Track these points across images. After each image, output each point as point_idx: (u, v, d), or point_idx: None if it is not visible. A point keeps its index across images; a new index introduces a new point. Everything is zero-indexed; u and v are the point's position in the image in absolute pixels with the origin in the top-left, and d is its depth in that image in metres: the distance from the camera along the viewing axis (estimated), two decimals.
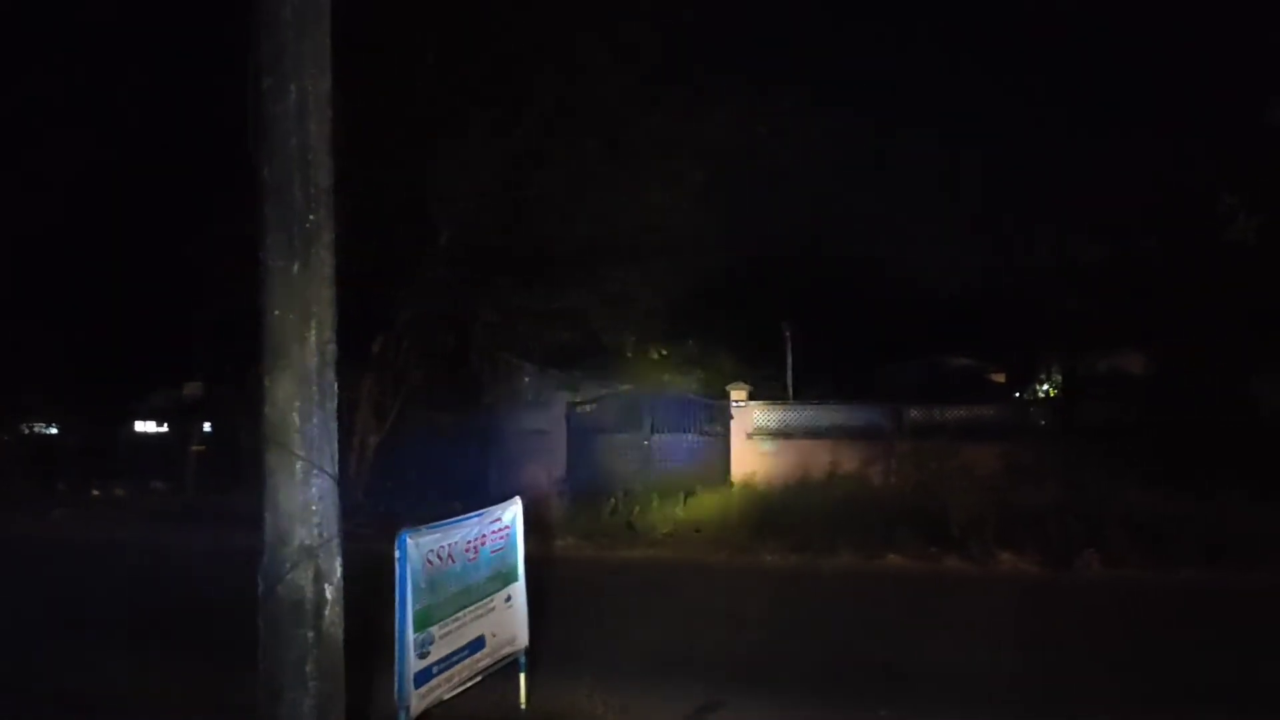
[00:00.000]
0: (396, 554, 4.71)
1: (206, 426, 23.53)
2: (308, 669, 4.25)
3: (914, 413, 18.11)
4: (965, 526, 12.78)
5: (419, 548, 4.81)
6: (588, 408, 21.31)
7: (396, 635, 4.71)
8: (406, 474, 20.54)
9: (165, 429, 27.81)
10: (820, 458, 16.89)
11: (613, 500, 15.60)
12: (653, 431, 18.79)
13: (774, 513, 14.42)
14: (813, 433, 17.91)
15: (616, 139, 15.64)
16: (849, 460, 16.83)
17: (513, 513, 5.84)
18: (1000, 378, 32.07)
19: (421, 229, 15.91)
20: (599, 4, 14.92)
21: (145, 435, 28.86)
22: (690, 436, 18.82)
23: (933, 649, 8.33)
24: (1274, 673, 7.41)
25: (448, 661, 5.05)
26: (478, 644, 5.36)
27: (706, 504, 15.55)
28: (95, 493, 20.82)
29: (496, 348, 18.60)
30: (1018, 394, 29.68)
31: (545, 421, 20.24)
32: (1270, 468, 13.37)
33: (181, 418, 24.47)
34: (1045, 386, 29.32)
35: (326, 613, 4.30)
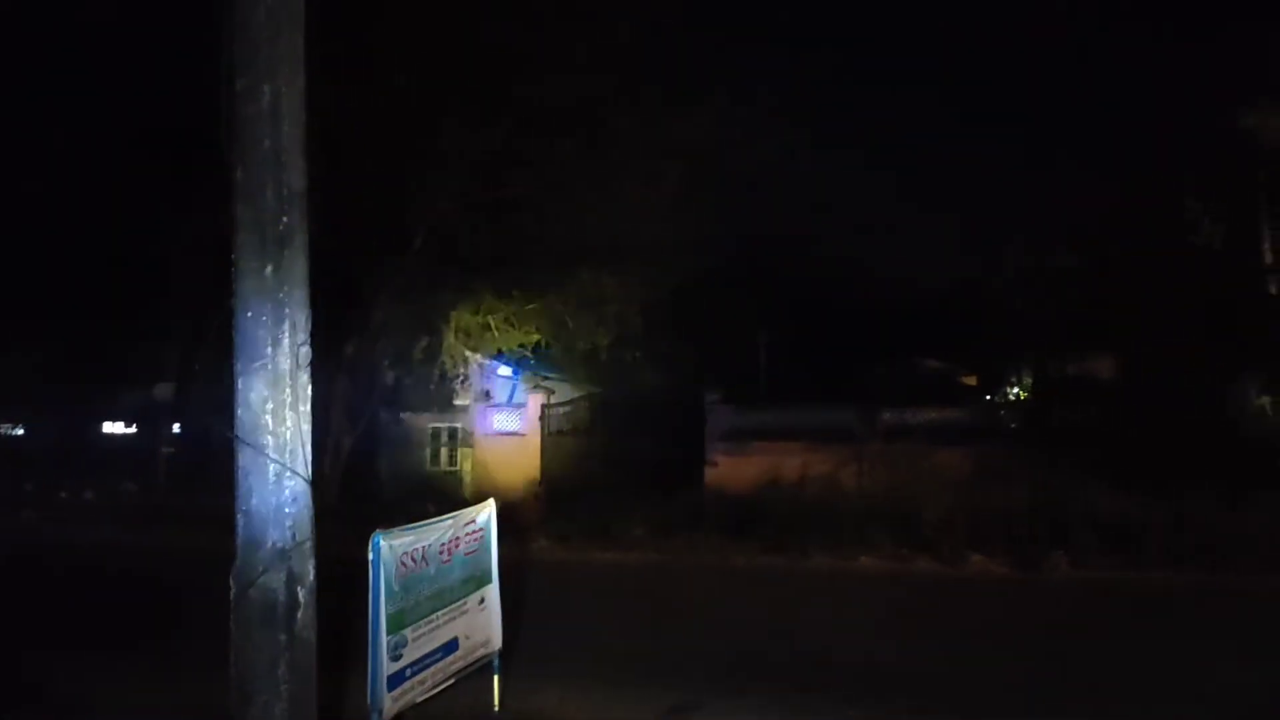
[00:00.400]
0: (370, 556, 4.70)
1: (176, 428, 23.31)
2: (280, 671, 4.23)
3: (886, 415, 18.23)
4: (936, 528, 12.91)
5: (393, 550, 4.81)
6: (562, 409, 21.34)
7: (370, 637, 4.70)
8: (379, 475, 20.49)
9: (134, 430, 27.51)
10: (793, 459, 16.96)
11: (587, 502, 15.59)
12: (626, 433, 18.81)
13: (747, 514, 14.48)
14: (785, 434, 17.98)
15: (594, 139, 15.64)
16: (821, 462, 16.91)
17: (487, 514, 5.85)
18: (972, 380, 32.29)
19: (397, 229, 15.85)
20: (576, 4, 14.91)
21: (114, 437, 28.54)
22: (664, 438, 18.85)
23: (904, 650, 8.40)
24: (1238, 672, 7.52)
25: (421, 664, 5.05)
26: (451, 646, 5.36)
27: (679, 506, 15.56)
28: (64, 494, 20.56)
29: (471, 349, 18.54)
30: (989, 397, 29.92)
31: (520, 423, 20.25)
32: (1235, 470, 13.58)
33: (151, 419, 24.22)
34: (1016, 390, 29.57)
35: (299, 615, 4.28)
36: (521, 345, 18.65)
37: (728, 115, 16.09)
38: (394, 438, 21.34)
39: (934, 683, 7.39)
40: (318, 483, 4.44)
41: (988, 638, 8.91)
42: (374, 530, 4.84)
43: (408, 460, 21.45)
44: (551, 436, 20.40)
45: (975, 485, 14.44)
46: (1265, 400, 16.00)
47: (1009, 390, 29.88)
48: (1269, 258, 15.73)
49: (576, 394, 21.81)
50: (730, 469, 17.57)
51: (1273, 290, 15.69)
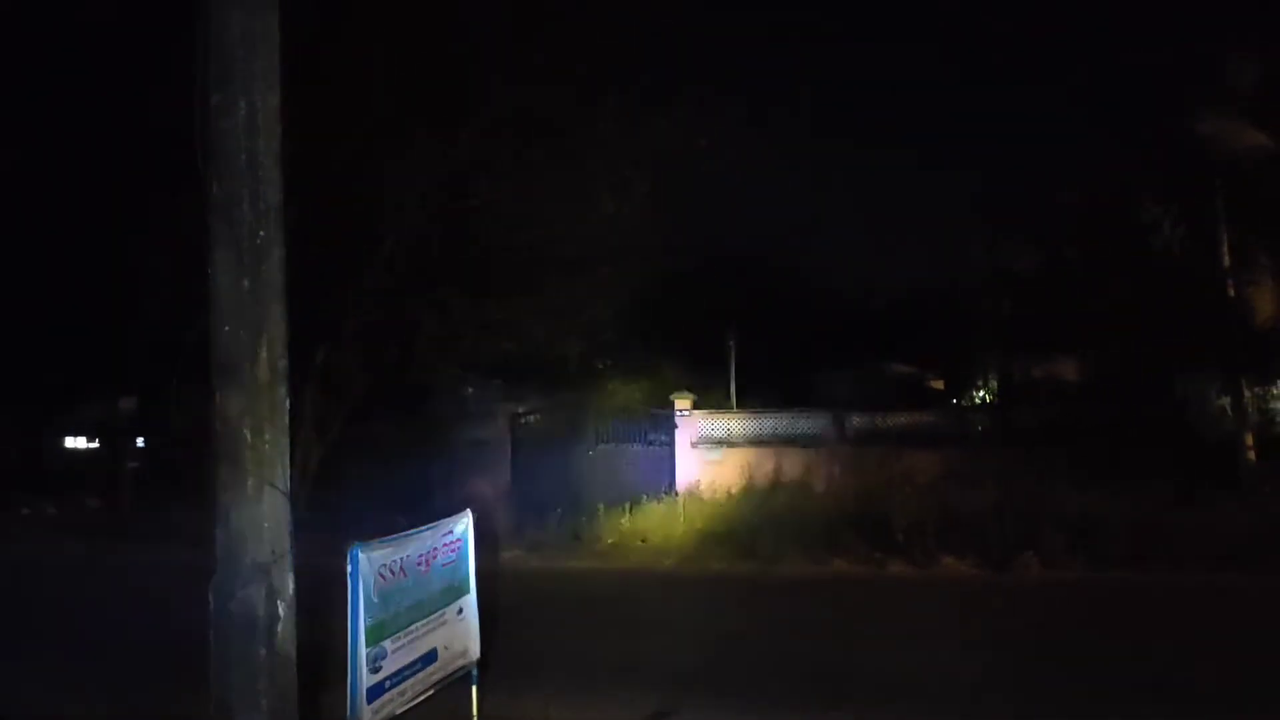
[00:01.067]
0: (348, 568, 4.69)
1: (140, 442, 22.98)
2: (260, 686, 4.23)
3: (856, 420, 18.43)
4: (908, 531, 13.03)
5: (371, 562, 4.80)
6: (532, 418, 21.29)
7: (349, 650, 4.68)
8: (350, 487, 20.29)
9: (96, 445, 27.08)
10: (764, 465, 17.09)
11: (558, 511, 15.58)
12: (598, 442, 18.82)
13: (719, 521, 14.57)
14: (756, 441, 18.12)
15: (563, 147, 15.65)
16: (793, 467, 17.05)
17: (464, 525, 5.85)
18: (939, 384, 32.69)
19: (365, 238, 15.75)
20: (545, 11, 14.93)
21: (76, 451, 28.08)
22: (635, 446, 18.90)
23: (878, 653, 8.48)
24: (1199, 669, 7.68)
25: (400, 675, 5.04)
26: (430, 657, 5.35)
27: (652, 513, 15.61)
28: (25, 510, 20.22)
29: (440, 359, 18.45)
30: (956, 400, 30.29)
31: (490, 432, 20.17)
32: (1196, 470, 13.86)
33: (115, 433, 23.86)
34: (983, 393, 29.97)
35: (279, 629, 4.29)
36: (492, 354, 18.57)
37: (696, 123, 16.17)
38: (366, 448, 21.15)
39: (909, 685, 7.46)
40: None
41: (961, 638, 9.01)
42: (346, 542, 4.82)
43: (379, 471, 21.26)
44: (523, 445, 20.35)
45: (945, 488, 14.59)
46: (1224, 400, 16.31)
47: (976, 393, 30.28)
48: (1227, 261, 16.04)
49: (547, 403, 21.76)
50: (702, 475, 17.64)
51: (1231, 293, 16.00)
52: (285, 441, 4.34)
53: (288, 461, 4.34)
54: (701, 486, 17.19)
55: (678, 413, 18.46)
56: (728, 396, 23.93)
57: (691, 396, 18.92)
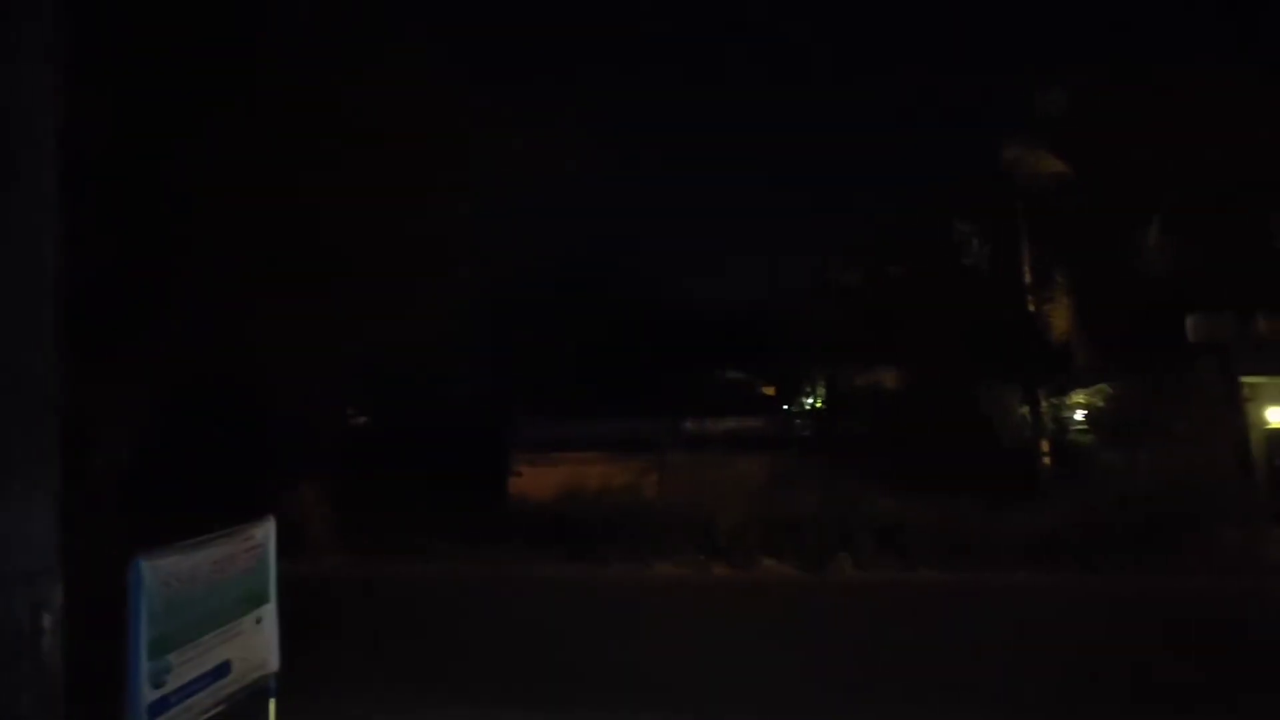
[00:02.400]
0: (130, 579, 4.42)
1: None
2: (24, 703, 3.93)
3: (687, 425, 18.75)
4: (730, 534, 13.36)
5: (156, 571, 4.53)
6: (363, 419, 20.77)
7: (129, 665, 4.41)
8: (163, 490, 19.17)
9: None
10: (596, 469, 17.13)
11: (387, 513, 15.17)
12: (431, 443, 18.45)
13: (550, 525, 14.51)
14: (590, 444, 18.16)
15: (400, 148, 15.28)
16: (623, 472, 17.16)
17: (265, 530, 5.61)
18: (771, 391, 33.60)
19: (184, 230, 14.95)
20: (382, 8, 14.54)
21: None
22: (471, 448, 18.63)
23: (692, 656, 8.64)
24: (990, 664, 8.17)
25: (187, 690, 4.77)
26: (223, 670, 5.10)
27: (483, 517, 15.40)
28: None
29: (265, 360, 17.70)
30: (786, 407, 31.23)
31: (317, 434, 19.49)
32: (1000, 475, 14.72)
33: None
34: (812, 400, 30.98)
35: (44, 643, 3.98)
36: (320, 357, 17.94)
37: (540, 132, 16.11)
38: (180, 449, 20.06)
39: (701, 685, 7.63)
40: (86, 498, 4.17)
41: (767, 637, 9.33)
42: (142, 548, 4.56)
43: (195, 472, 20.21)
44: (356, 446, 19.74)
45: (769, 492, 15.00)
46: (1025, 410, 17.39)
47: (805, 400, 31.29)
48: (1028, 278, 17.17)
49: (381, 405, 21.23)
50: (535, 479, 17.55)
51: (1031, 308, 17.13)
52: (54, 441, 4.04)
53: (57, 464, 4.04)
54: (532, 490, 17.09)
55: (513, 415, 18.34)
56: (564, 401, 23.91)
57: (528, 400, 18.83)
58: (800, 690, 7.49)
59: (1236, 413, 15.42)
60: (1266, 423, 16.38)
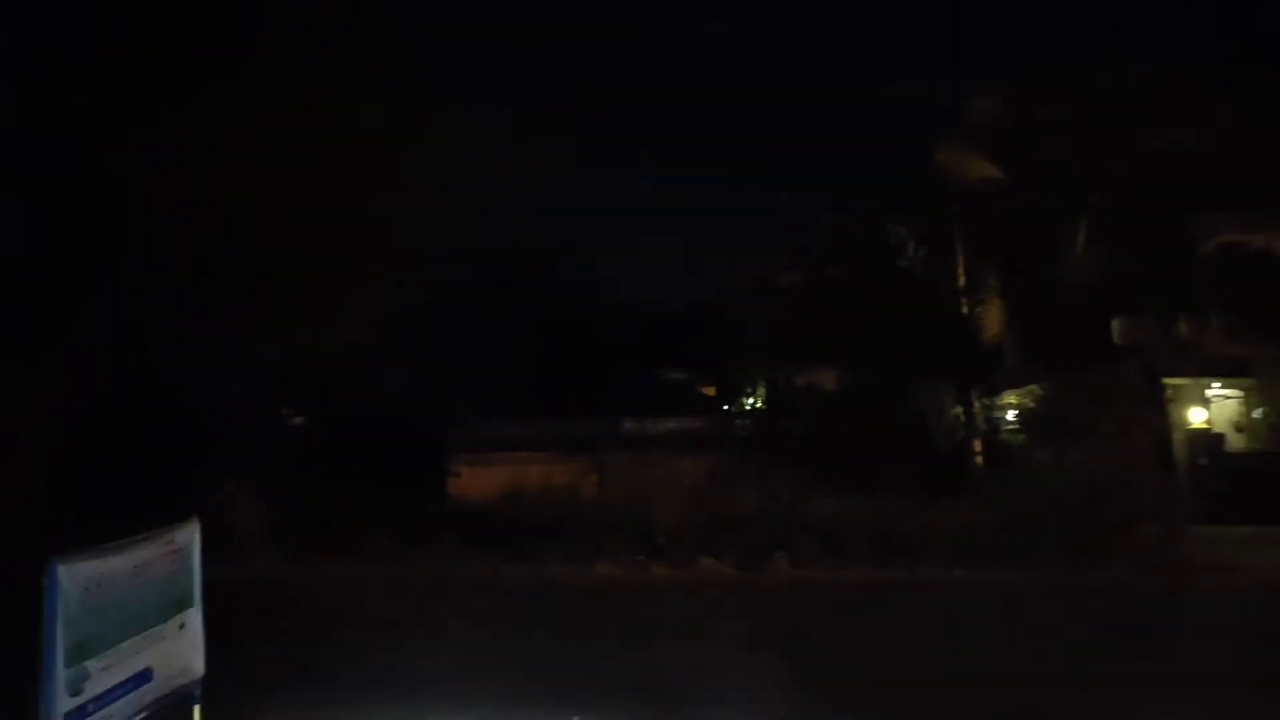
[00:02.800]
0: (46, 584, 4.32)
1: None
2: None
3: (628, 425, 18.80)
4: (669, 534, 13.43)
5: (73, 575, 4.43)
6: (298, 419, 20.43)
7: (43, 673, 4.31)
8: (91, 492, 18.68)
9: None
10: (536, 469, 17.08)
11: (322, 515, 14.97)
12: (368, 442, 18.24)
13: (489, 526, 14.44)
14: (531, 445, 18.13)
15: (337, 138, 15.04)
16: (564, 472, 17.09)
17: (189, 533, 5.52)
18: (712, 391, 33.83)
19: (115, 225, 14.57)
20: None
21: None
22: (409, 449, 18.46)
23: (625, 657, 8.68)
24: (914, 657, 8.34)
25: (107, 698, 4.66)
26: (144, 676, 4.99)
27: (421, 518, 15.27)
28: None
29: (195, 358, 17.35)
30: (726, 407, 31.46)
31: (250, 434, 19.17)
32: (934, 474, 14.99)
33: None
34: (752, 400, 31.23)
35: None
36: (255, 356, 17.63)
37: (480, 123, 15.99)
38: (110, 450, 19.58)
39: (633, 685, 7.68)
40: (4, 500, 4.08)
41: (698, 637, 9.49)
42: (60, 553, 4.45)
43: (125, 473, 19.74)
44: (289, 447, 19.42)
45: (709, 492, 15.07)
46: (958, 410, 17.73)
47: (745, 400, 31.53)
48: (962, 281, 17.51)
49: (318, 405, 20.91)
50: (475, 480, 17.43)
51: (964, 310, 17.46)
52: None
53: None
54: (471, 490, 16.99)
55: (453, 416, 18.21)
56: (506, 401, 23.83)
57: (469, 400, 18.71)
58: (714, 690, 7.55)
59: (1159, 413, 15.89)
60: (1188, 423, 16.93)
